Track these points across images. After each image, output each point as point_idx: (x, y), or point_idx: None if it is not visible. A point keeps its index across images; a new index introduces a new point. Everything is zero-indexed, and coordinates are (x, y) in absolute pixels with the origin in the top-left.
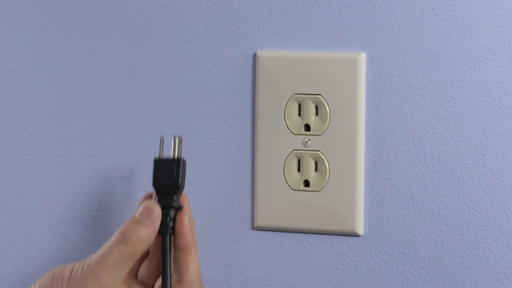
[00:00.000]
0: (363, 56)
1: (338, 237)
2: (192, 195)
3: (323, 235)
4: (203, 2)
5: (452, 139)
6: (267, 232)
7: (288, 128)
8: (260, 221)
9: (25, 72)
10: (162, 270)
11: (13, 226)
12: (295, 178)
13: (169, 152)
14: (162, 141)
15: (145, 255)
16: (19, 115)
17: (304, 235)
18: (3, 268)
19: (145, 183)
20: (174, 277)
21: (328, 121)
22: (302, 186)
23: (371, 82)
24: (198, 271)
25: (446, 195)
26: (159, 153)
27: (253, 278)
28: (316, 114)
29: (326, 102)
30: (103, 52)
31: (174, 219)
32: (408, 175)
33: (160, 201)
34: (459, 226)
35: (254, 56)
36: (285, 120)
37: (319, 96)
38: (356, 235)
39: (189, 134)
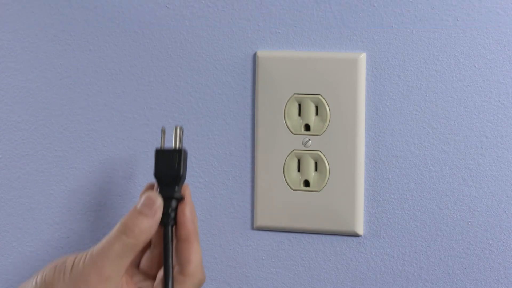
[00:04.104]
0: (363, 56)
1: (338, 237)
2: (192, 195)
3: (323, 235)
4: (203, 2)
5: (452, 139)
6: (267, 232)
7: (288, 128)
8: (260, 221)
9: (25, 72)
10: (164, 261)
11: (13, 226)
12: (295, 178)
13: (170, 143)
14: (163, 131)
15: (148, 245)
16: (19, 115)
17: (304, 235)
18: (3, 268)
19: (145, 183)
20: (176, 268)
21: (328, 121)
22: (302, 186)
23: (371, 82)
24: (200, 262)
25: (446, 195)
26: (161, 144)
27: (253, 278)
28: (316, 114)
29: (326, 102)
30: (103, 52)
31: (175, 209)
32: (408, 175)
33: (161, 192)
34: (459, 226)
35: (254, 56)
36: (285, 120)
37: (319, 96)
38: (356, 235)
39: (189, 134)
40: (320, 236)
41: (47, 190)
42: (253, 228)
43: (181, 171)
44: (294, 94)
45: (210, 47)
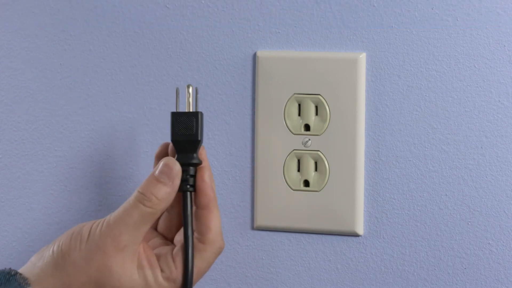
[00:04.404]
0: (363, 56)
1: (338, 237)
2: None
3: (323, 235)
4: (203, 2)
5: (452, 139)
6: (267, 232)
7: (288, 128)
8: (260, 221)
9: (25, 72)
10: (184, 230)
11: (13, 226)
12: (295, 178)
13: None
14: (177, 93)
15: None
16: (19, 115)
17: (304, 235)
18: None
19: None
20: (195, 235)
21: (328, 121)
22: (302, 186)
23: (371, 82)
24: (220, 229)
25: (446, 195)
26: (176, 106)
27: (253, 278)
28: (316, 114)
29: (326, 102)
30: (103, 52)
31: (194, 175)
32: (408, 175)
33: (179, 158)
34: (459, 226)
35: (254, 56)
36: (285, 120)
37: (319, 96)
38: (356, 235)
39: None
40: (320, 236)
41: (47, 190)
42: (253, 228)
43: (199, 136)
44: (294, 94)
45: (210, 47)
